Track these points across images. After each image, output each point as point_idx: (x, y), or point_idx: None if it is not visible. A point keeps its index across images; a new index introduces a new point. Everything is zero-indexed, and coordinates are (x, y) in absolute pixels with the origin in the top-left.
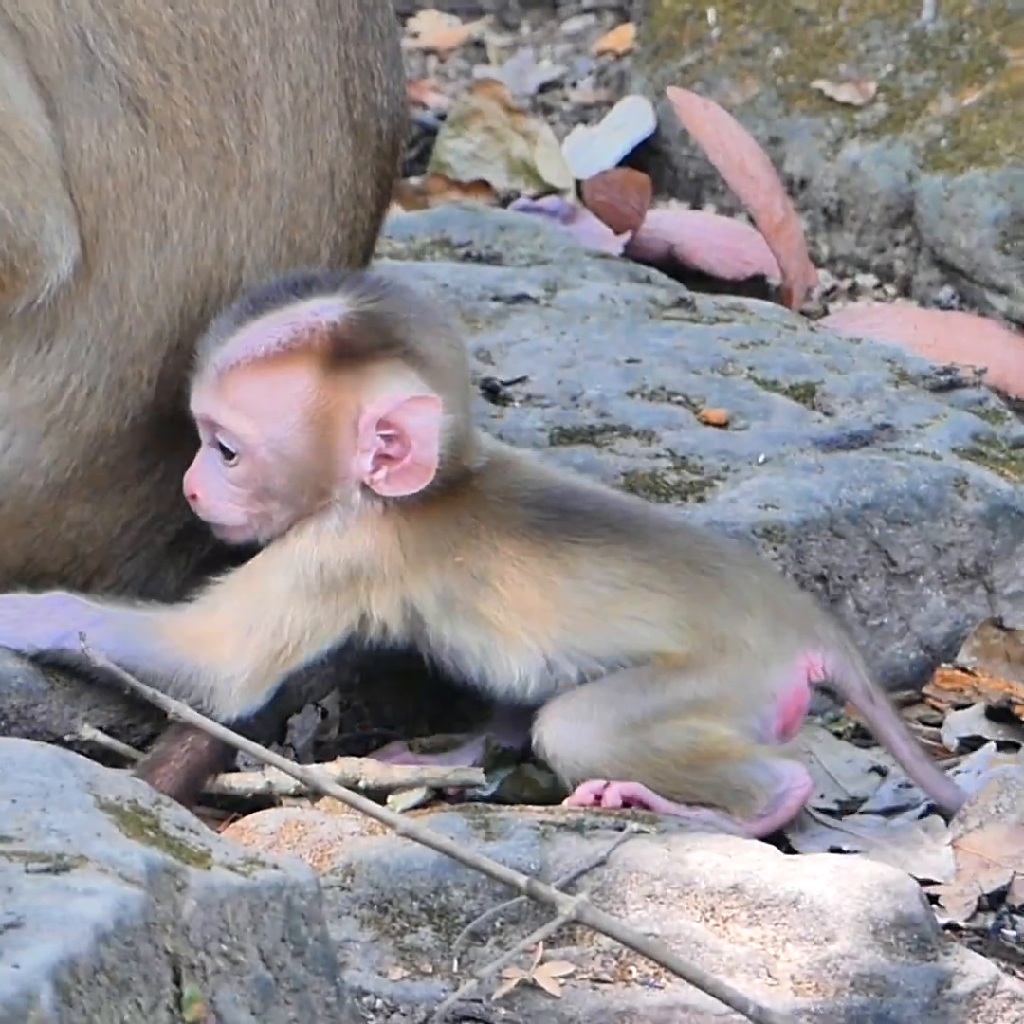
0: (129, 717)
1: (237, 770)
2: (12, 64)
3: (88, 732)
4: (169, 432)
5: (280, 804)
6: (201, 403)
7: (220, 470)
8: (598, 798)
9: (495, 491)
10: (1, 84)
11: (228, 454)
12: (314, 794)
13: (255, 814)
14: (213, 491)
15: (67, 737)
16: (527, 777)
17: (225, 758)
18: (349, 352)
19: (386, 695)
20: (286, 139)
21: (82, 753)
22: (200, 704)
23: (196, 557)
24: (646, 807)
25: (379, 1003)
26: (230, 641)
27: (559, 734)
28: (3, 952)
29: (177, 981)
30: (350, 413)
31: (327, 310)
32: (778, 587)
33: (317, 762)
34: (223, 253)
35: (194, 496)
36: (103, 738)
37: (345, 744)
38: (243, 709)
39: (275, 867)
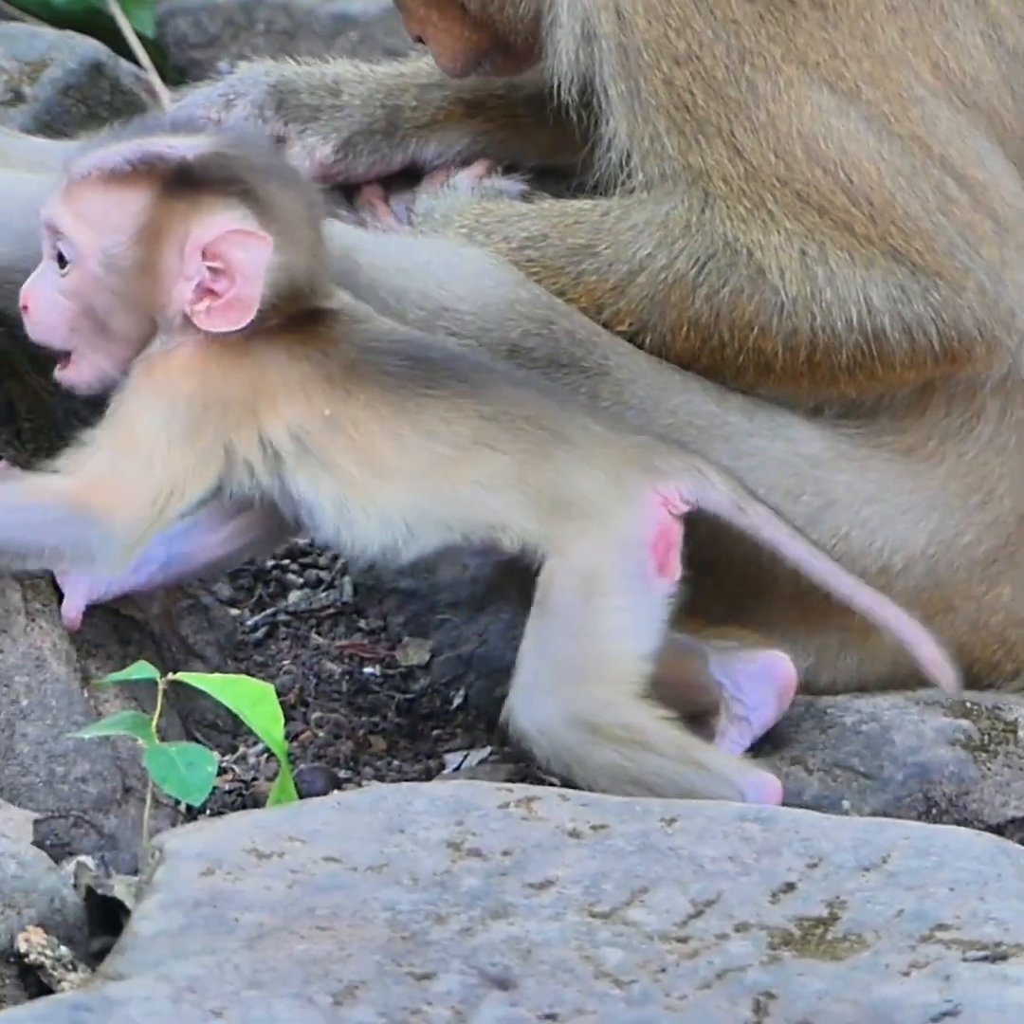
0: None
1: None
2: (987, 138)
3: None
4: None
5: None
6: (49, 208)
7: (55, 282)
8: None
9: (349, 336)
10: (978, 154)
11: (63, 263)
12: None
13: None
14: (43, 303)
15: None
16: None
17: None
18: (189, 181)
19: None
20: None
21: (1016, 841)
22: (86, 562)
23: None
24: None
25: None
26: (108, 492)
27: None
28: None
29: None
30: (178, 237)
31: (184, 146)
32: (617, 430)
33: None
34: None
35: (26, 307)
36: None
37: None
38: (126, 562)
39: None
